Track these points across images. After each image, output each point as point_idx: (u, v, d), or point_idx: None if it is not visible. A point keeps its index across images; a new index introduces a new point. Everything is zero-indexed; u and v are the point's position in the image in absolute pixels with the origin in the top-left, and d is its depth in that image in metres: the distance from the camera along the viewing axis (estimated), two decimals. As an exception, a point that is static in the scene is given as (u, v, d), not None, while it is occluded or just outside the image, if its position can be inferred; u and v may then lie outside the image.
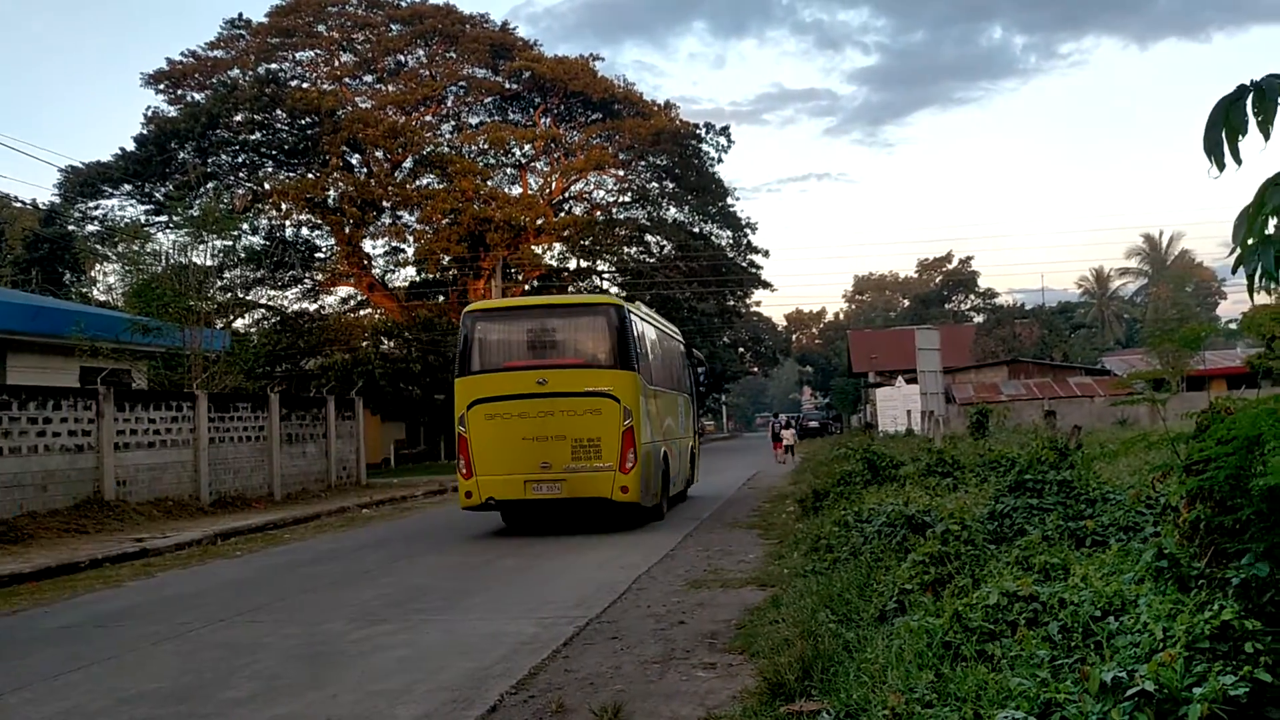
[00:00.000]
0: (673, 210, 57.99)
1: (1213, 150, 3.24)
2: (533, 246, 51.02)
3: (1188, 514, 5.69)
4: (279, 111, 46.31)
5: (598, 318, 17.08)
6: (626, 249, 56.77)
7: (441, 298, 51.86)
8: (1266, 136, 3.18)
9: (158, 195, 44.61)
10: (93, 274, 44.86)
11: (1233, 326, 67.92)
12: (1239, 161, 3.21)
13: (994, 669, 5.11)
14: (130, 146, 45.23)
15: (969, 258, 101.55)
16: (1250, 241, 3.20)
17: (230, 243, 30.59)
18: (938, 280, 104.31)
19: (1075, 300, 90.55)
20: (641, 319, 18.55)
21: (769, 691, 6.11)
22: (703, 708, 6.30)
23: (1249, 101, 3.19)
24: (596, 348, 16.84)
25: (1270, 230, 3.14)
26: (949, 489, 13.94)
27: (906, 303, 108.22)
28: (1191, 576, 5.26)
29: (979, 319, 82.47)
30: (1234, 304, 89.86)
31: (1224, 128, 3.21)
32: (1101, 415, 42.13)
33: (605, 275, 59.26)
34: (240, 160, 49.39)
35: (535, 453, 16.11)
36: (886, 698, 5.00)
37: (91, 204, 46.64)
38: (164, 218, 39.66)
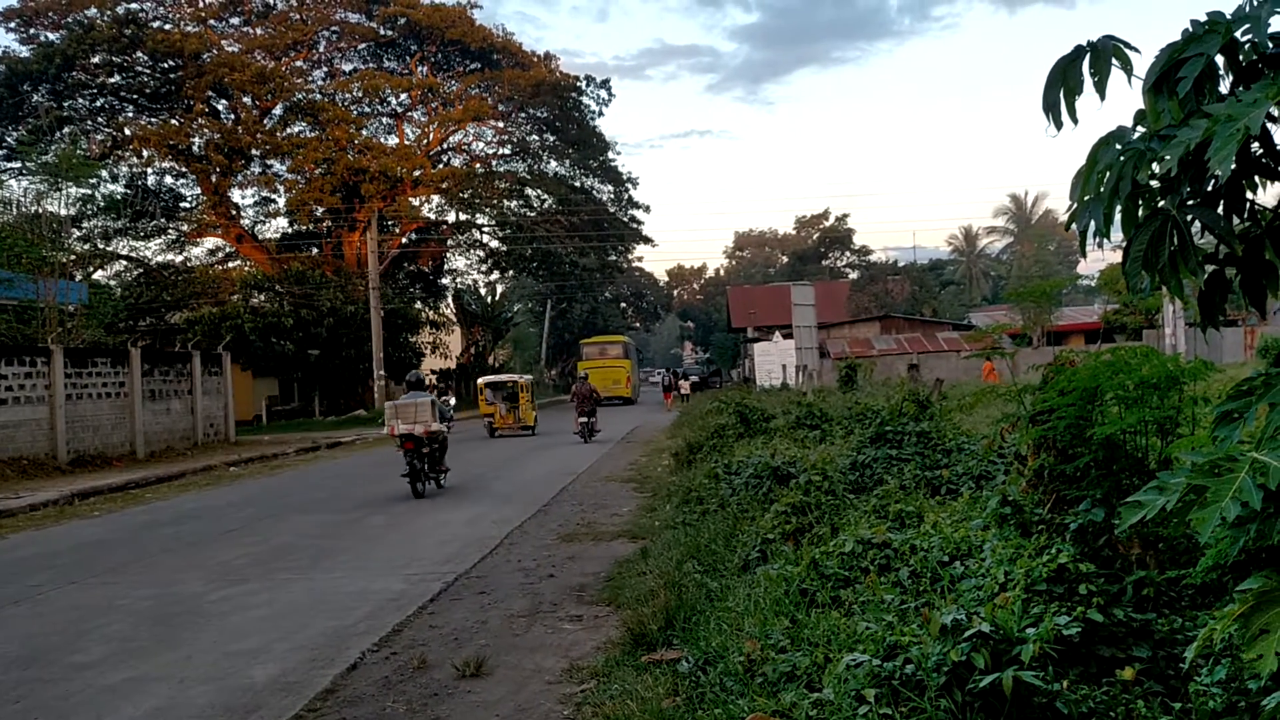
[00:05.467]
0: (553, 164, 57.47)
1: (1050, 109, 3.30)
2: (410, 198, 49.95)
3: (1033, 462, 5.92)
4: (139, 54, 44.09)
5: (620, 344, 59.22)
6: (507, 202, 56.04)
7: (315, 250, 50.41)
8: (1102, 96, 3.25)
9: (9, 140, 42.25)
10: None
11: (1091, 284, 70.72)
12: (1075, 120, 3.28)
13: (846, 614, 5.26)
14: (-23, 87, 42.66)
15: (845, 215, 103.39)
16: (1087, 198, 3.28)
17: (88, 191, 29.23)
18: (815, 237, 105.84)
19: (945, 258, 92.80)
20: (630, 344, 63.22)
21: (632, 642, 6.19)
22: (566, 659, 6.34)
23: (1085, 62, 3.26)
24: (619, 354, 57.74)
25: (1103, 189, 3.22)
26: (816, 441, 14.26)
27: (785, 259, 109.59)
28: (1033, 522, 5.48)
29: (854, 275, 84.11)
30: (1094, 262, 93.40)
31: (1061, 87, 3.28)
32: (967, 369, 43.49)
33: (485, 229, 58.43)
34: (98, 104, 46.93)
35: (603, 383, 46.59)
36: (743, 644, 5.10)
37: (-65, 148, 43.85)
38: (16, 164, 37.62)
